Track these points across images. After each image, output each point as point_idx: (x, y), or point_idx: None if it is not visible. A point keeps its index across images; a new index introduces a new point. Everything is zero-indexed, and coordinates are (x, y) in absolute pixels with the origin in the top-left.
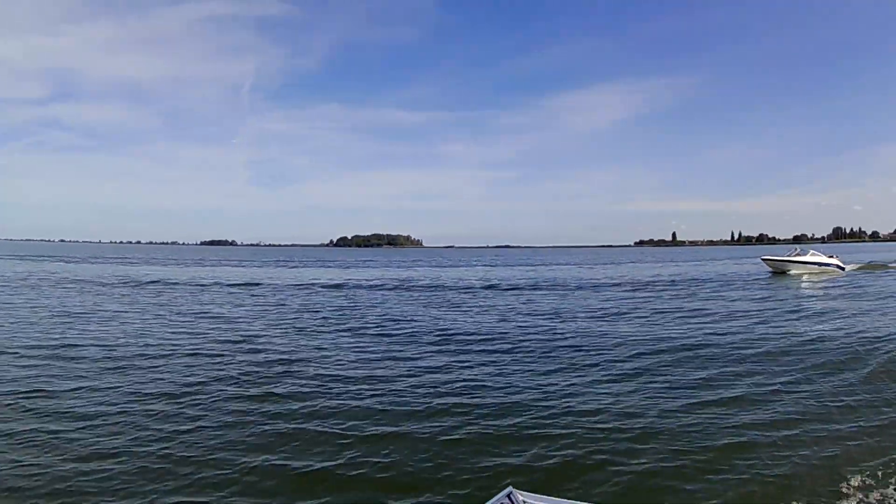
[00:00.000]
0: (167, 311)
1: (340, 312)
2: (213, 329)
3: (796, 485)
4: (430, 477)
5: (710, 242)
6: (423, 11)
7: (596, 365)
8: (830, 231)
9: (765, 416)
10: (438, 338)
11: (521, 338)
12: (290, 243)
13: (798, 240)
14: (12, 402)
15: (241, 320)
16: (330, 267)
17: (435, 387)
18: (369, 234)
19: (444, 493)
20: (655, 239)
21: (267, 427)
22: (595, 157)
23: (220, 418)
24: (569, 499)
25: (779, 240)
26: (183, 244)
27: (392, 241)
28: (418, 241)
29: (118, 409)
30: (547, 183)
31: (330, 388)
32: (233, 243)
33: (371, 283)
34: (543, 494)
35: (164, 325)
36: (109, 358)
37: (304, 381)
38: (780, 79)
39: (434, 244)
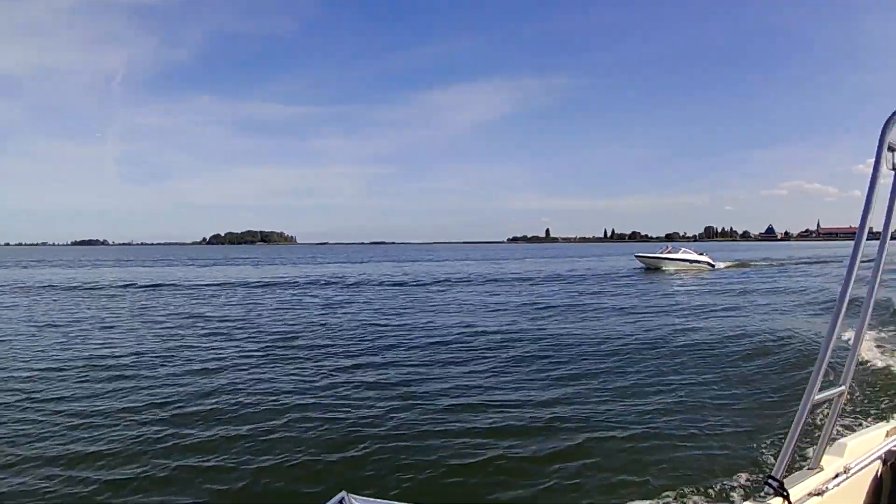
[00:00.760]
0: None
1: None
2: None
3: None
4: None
5: (584, 239)
6: (300, 3)
7: (469, 360)
8: (702, 230)
9: (633, 408)
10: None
11: (379, 336)
12: (163, 242)
13: (670, 238)
14: None
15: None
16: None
17: (272, 393)
18: (243, 231)
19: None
20: (529, 235)
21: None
22: (471, 153)
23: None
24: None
25: (651, 238)
26: (53, 244)
27: (266, 238)
28: (292, 237)
29: None
30: (423, 179)
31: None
32: (104, 243)
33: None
34: (380, 498)
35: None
36: None
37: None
38: (655, 83)
39: (308, 241)
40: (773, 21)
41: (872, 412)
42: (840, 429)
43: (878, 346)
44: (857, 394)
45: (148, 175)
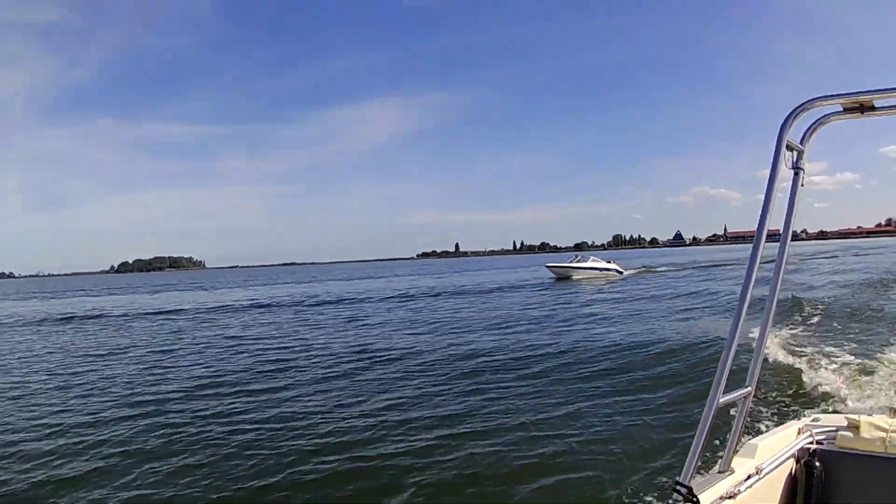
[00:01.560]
0: None
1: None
2: None
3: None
4: None
5: (493, 252)
6: (202, 20)
7: (387, 378)
8: (611, 238)
9: (536, 420)
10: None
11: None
12: (71, 272)
13: (579, 247)
14: None
15: None
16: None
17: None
18: (151, 257)
19: None
20: (438, 250)
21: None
22: (376, 170)
23: None
24: None
25: (560, 248)
26: None
27: (174, 263)
28: (201, 262)
29: None
30: (329, 197)
31: None
32: (10, 275)
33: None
34: None
35: None
36: None
37: None
38: (557, 96)
39: (218, 265)
40: (674, 32)
41: (784, 411)
42: (753, 430)
43: (785, 346)
44: (768, 394)
45: (51, 202)
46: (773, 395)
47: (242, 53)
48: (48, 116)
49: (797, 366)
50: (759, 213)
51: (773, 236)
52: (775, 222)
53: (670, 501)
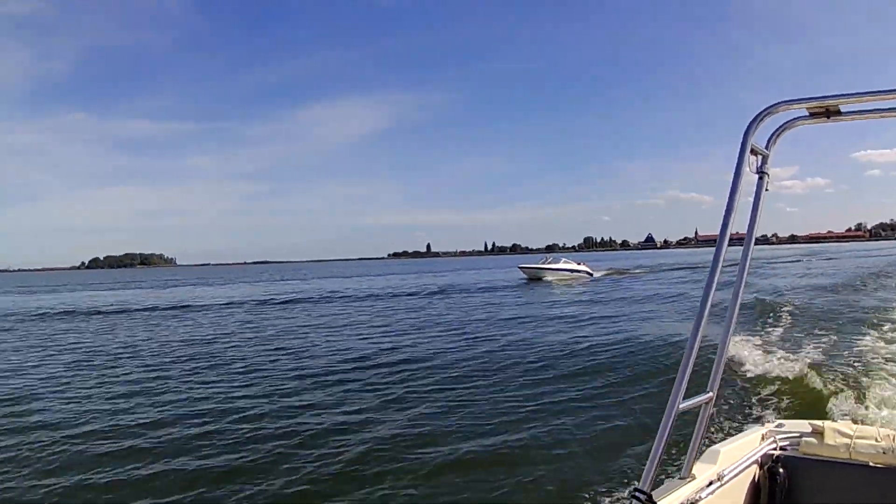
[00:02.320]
0: None
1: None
2: None
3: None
4: None
5: (464, 253)
6: (174, 15)
7: (355, 381)
8: (582, 240)
9: (494, 424)
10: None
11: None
12: (40, 267)
13: (551, 249)
14: None
15: None
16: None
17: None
18: (121, 253)
19: None
20: (410, 251)
21: None
22: (346, 169)
23: None
24: None
25: (532, 249)
26: None
27: (145, 260)
28: (172, 259)
29: None
30: (299, 196)
31: None
32: None
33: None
34: None
35: None
36: None
37: None
38: (527, 97)
39: (189, 262)
40: (645, 34)
41: (746, 417)
42: (716, 436)
43: (748, 350)
44: (731, 399)
45: (21, 197)
46: (736, 400)
47: (213, 49)
48: (19, 109)
49: (760, 370)
50: (722, 216)
51: (737, 240)
52: (740, 226)
53: None
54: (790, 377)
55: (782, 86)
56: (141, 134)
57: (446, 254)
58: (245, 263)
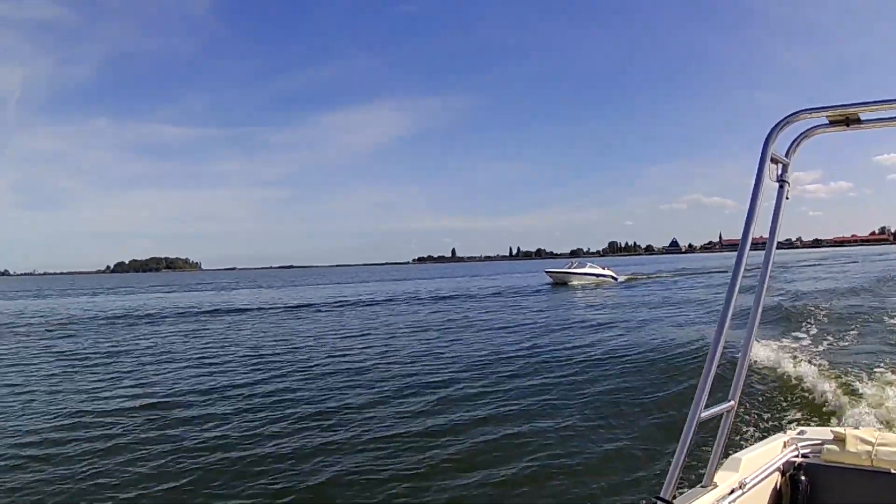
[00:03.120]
0: None
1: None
2: None
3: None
4: None
5: (489, 258)
6: (198, 21)
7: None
8: (606, 245)
9: (519, 429)
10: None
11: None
12: (67, 271)
13: (575, 254)
14: None
15: None
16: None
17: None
18: (147, 258)
19: None
20: (435, 255)
21: None
22: (370, 175)
23: None
24: None
25: (556, 254)
26: None
27: (170, 264)
28: (197, 263)
29: None
30: (324, 202)
31: None
32: (6, 273)
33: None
34: None
35: None
36: None
37: None
38: (549, 102)
39: (214, 266)
40: (667, 38)
41: (769, 424)
42: (737, 444)
43: (771, 356)
44: (752, 406)
45: (46, 201)
46: (758, 406)
47: (238, 56)
48: (44, 115)
49: (783, 377)
50: (743, 223)
51: (759, 245)
52: (762, 231)
53: None
54: (812, 384)
55: (804, 90)
56: (165, 139)
57: (471, 258)
58: (270, 268)
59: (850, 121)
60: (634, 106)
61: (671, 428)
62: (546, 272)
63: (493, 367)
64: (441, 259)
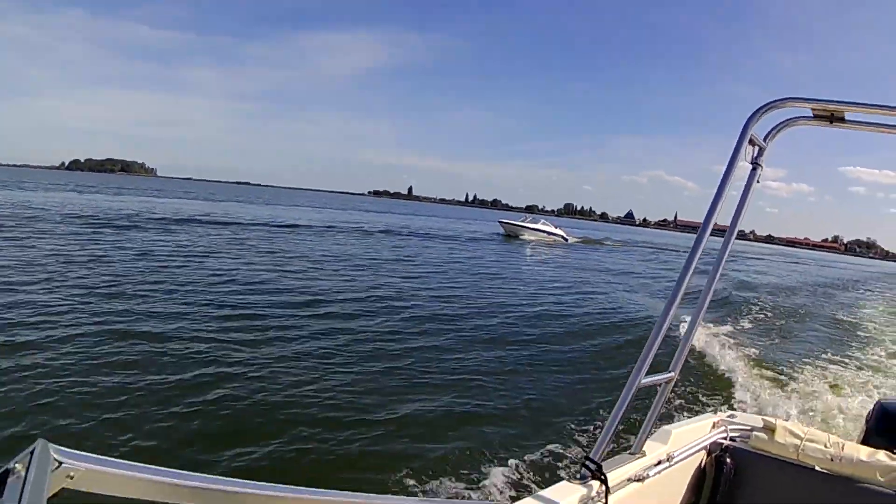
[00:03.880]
0: None
1: None
2: None
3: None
4: None
5: (444, 201)
6: None
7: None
8: (562, 206)
9: (452, 384)
10: None
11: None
12: (20, 164)
13: (531, 209)
14: None
15: None
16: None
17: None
18: (104, 158)
19: None
20: (391, 191)
21: None
22: (340, 101)
23: None
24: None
25: (512, 207)
26: None
27: (126, 167)
28: (153, 169)
29: None
30: (290, 123)
31: None
32: None
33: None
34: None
35: None
36: None
37: None
38: (530, 56)
39: (170, 174)
40: (660, 15)
41: (701, 403)
42: (669, 417)
43: (712, 339)
44: (688, 384)
45: (10, 91)
46: (693, 385)
47: None
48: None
49: (720, 360)
50: (710, 201)
51: (719, 231)
52: (724, 217)
53: (577, 476)
54: (749, 371)
55: (783, 89)
56: (140, 40)
57: (427, 199)
58: (227, 182)
59: (834, 118)
60: (617, 76)
61: (608, 393)
62: (500, 222)
63: (428, 314)
64: (397, 195)
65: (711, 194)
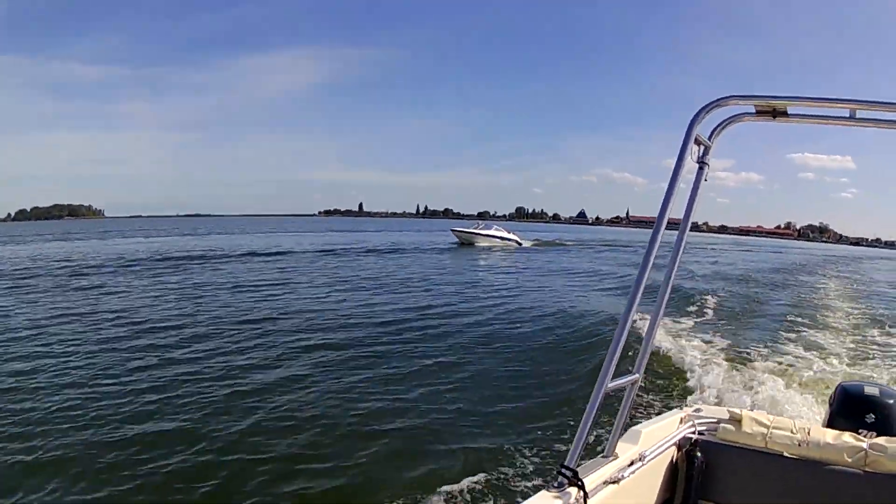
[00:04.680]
0: None
1: None
2: None
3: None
4: None
5: (395, 214)
6: None
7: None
8: (514, 210)
9: (420, 395)
10: None
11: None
12: None
13: (482, 216)
14: None
15: None
16: None
17: None
18: (50, 205)
19: None
20: (342, 209)
21: None
22: (282, 123)
23: None
24: None
25: (464, 215)
26: None
27: (73, 212)
28: (100, 211)
29: None
30: (233, 148)
31: None
32: None
33: None
34: None
35: None
36: None
37: None
38: (468, 63)
39: (117, 214)
40: (598, 11)
41: (667, 400)
42: (637, 417)
43: (673, 335)
44: (653, 381)
45: None
46: (658, 382)
47: None
48: None
49: (682, 355)
50: (661, 201)
51: (672, 225)
52: (676, 213)
53: (555, 484)
54: (711, 364)
55: (731, 82)
56: (72, 78)
57: (378, 214)
58: (178, 216)
59: (777, 112)
60: (559, 76)
61: (576, 397)
62: (452, 231)
63: (388, 328)
64: (348, 213)
65: (662, 189)
